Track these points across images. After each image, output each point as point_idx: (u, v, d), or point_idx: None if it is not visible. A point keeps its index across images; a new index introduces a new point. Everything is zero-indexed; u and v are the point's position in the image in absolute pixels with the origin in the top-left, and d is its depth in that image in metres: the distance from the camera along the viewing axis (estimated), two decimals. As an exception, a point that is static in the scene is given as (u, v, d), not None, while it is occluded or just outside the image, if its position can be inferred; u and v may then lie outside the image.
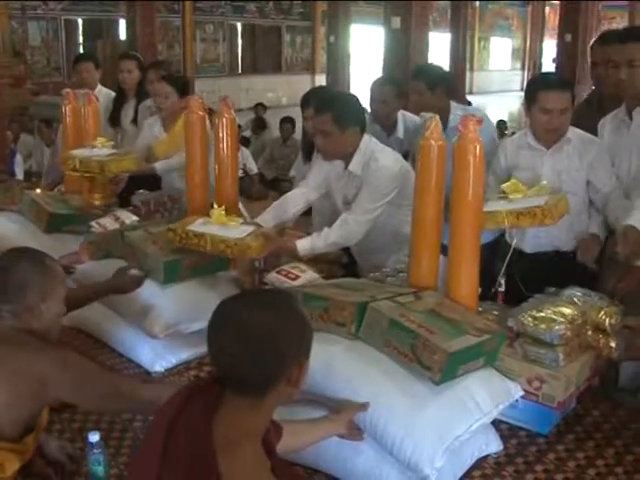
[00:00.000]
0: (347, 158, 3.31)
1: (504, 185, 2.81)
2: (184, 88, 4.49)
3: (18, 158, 7.83)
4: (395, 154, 3.43)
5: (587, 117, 3.56)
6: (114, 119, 5.17)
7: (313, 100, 3.70)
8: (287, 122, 10.24)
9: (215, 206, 3.14)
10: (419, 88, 3.94)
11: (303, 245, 3.21)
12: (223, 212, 3.10)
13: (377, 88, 4.18)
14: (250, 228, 3.05)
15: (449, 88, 3.99)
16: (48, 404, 2.05)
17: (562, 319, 2.39)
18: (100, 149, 3.97)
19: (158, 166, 4.32)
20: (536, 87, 3.15)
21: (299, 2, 22.93)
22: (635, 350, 2.53)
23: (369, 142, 3.31)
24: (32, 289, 2.01)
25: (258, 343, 1.46)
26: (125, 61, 5.22)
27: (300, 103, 4.07)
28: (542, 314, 2.43)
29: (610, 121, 3.34)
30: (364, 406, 2.08)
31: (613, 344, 2.49)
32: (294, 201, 3.49)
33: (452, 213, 2.54)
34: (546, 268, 3.13)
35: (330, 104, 3.26)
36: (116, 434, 2.42)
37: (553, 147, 3.19)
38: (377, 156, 3.26)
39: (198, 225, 3.04)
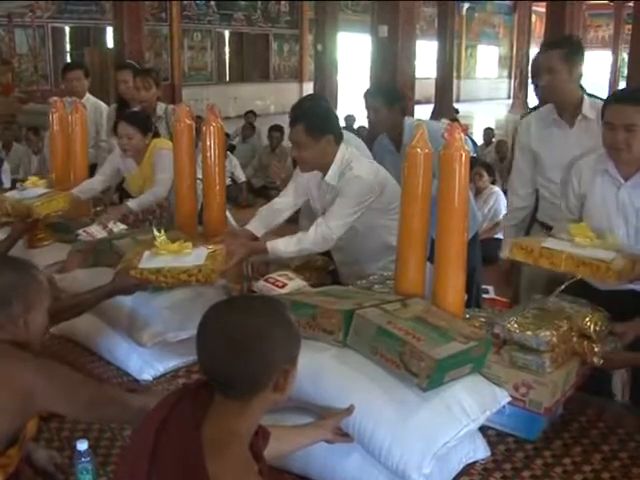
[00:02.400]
0: (324, 168, 3.30)
1: (571, 226, 2.70)
2: (146, 125, 4.24)
3: (6, 166, 7.80)
4: (372, 163, 3.44)
5: None
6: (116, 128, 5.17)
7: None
8: (276, 130, 10.23)
9: (156, 232, 2.90)
10: (376, 105, 4.02)
11: (274, 246, 3.18)
12: (164, 237, 2.87)
13: (369, 97, 4.19)
14: (204, 250, 2.90)
15: (403, 107, 4.09)
16: (35, 415, 2.04)
17: (548, 325, 2.40)
18: (31, 190, 3.82)
19: (132, 205, 4.07)
20: (607, 100, 2.92)
21: (287, 10, 22.97)
22: (608, 362, 2.51)
23: (345, 151, 3.30)
24: (17, 300, 1.97)
25: (245, 348, 1.49)
26: (121, 71, 5.27)
27: (290, 113, 4.08)
28: (528, 320, 2.44)
29: (538, 121, 3.44)
30: (349, 411, 2.09)
31: (597, 349, 2.50)
32: (281, 207, 3.50)
33: (438, 220, 2.55)
34: (620, 307, 2.69)
35: (302, 115, 3.27)
36: (105, 442, 2.41)
37: (632, 178, 2.81)
38: (352, 165, 3.25)
39: (149, 260, 2.79)
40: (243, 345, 1.49)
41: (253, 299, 1.68)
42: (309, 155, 3.22)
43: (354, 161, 3.27)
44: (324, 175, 3.33)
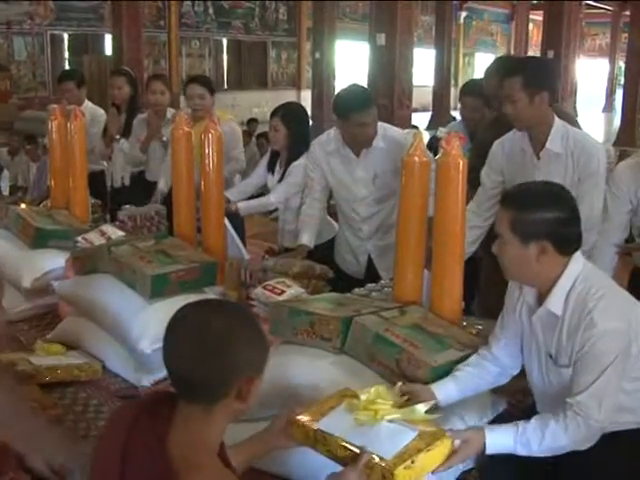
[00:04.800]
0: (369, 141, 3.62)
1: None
2: (213, 86, 4.64)
3: (5, 173, 7.83)
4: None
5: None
6: (106, 133, 5.28)
7: (280, 111, 4.11)
8: (263, 137, 10.20)
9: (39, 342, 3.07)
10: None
11: None
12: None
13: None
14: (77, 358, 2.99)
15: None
16: None
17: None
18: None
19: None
20: None
21: (284, 18, 23.05)
22: None
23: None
24: None
25: (209, 347, 1.47)
26: (115, 77, 5.31)
27: (270, 114, 4.21)
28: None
29: (508, 146, 3.24)
30: (294, 412, 1.98)
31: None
32: (317, 212, 3.83)
33: (435, 228, 2.57)
34: None
35: (371, 96, 3.62)
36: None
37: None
38: (385, 128, 3.66)
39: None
40: (210, 346, 1.47)
41: (225, 302, 1.65)
42: (375, 130, 3.58)
43: (382, 124, 3.66)
44: (359, 150, 3.66)
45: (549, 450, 1.98)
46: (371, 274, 3.74)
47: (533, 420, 1.99)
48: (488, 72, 3.64)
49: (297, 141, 4.08)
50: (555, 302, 2.07)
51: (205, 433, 1.51)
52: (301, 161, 4.01)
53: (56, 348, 3.04)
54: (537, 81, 3.01)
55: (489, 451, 1.97)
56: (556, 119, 3.10)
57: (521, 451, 1.98)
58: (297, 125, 4.11)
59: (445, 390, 2.14)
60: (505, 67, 3.14)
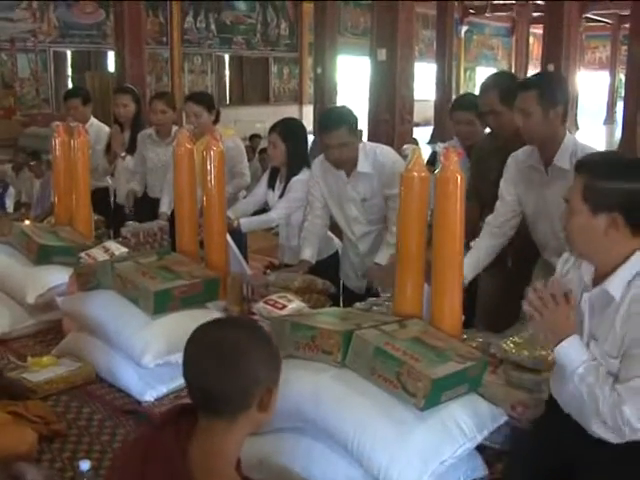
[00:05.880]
0: (353, 163, 3.63)
1: None
2: (211, 104, 4.66)
3: (11, 190, 7.86)
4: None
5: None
6: (109, 149, 5.32)
7: (278, 127, 4.13)
8: (265, 152, 10.25)
9: (29, 359, 3.09)
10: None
11: (384, 258, 3.52)
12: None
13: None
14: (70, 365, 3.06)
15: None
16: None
17: (544, 345, 2.42)
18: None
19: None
20: None
21: (286, 34, 23.16)
22: None
23: (364, 144, 3.68)
24: None
25: (231, 361, 1.52)
26: (120, 95, 5.36)
27: (268, 131, 4.23)
28: (524, 340, 2.47)
29: (520, 160, 3.22)
30: None
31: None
32: (321, 223, 3.85)
33: (434, 243, 2.59)
34: None
35: (342, 118, 3.57)
36: (107, 463, 2.42)
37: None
38: (377, 151, 3.67)
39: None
40: (232, 360, 1.52)
41: (240, 319, 1.72)
42: (350, 153, 3.57)
43: (377, 148, 3.71)
44: (349, 170, 3.66)
45: (590, 399, 1.94)
46: (371, 290, 3.76)
47: (602, 368, 1.95)
48: (485, 87, 3.63)
49: (296, 157, 4.09)
50: (616, 285, 1.98)
51: (226, 445, 1.55)
52: (301, 176, 4.03)
53: (48, 360, 3.08)
54: (553, 95, 3.01)
55: (559, 350, 1.98)
56: (568, 135, 3.10)
57: (577, 374, 1.95)
58: (296, 141, 4.13)
59: None
60: (522, 81, 3.15)
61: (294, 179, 4.04)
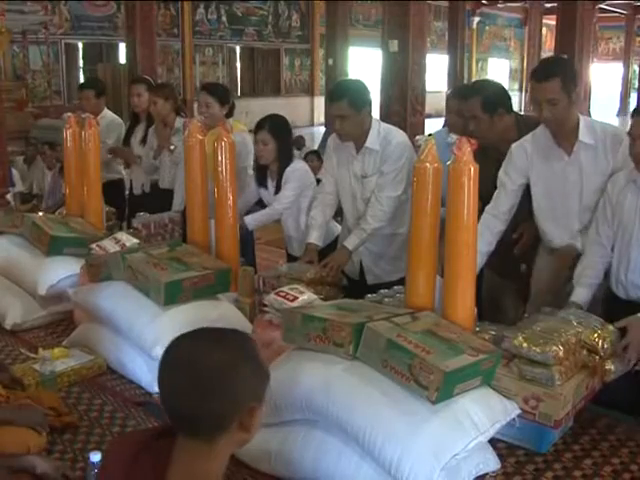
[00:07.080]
0: (362, 137, 3.61)
1: None
2: (225, 97, 4.60)
3: (13, 172, 7.93)
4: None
5: None
6: (126, 141, 5.34)
7: (266, 124, 4.06)
8: None
9: (40, 350, 3.08)
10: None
11: (354, 245, 3.59)
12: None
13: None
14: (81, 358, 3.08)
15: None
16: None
17: (555, 339, 2.41)
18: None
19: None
20: (632, 112, 2.93)
21: (298, 25, 23.10)
22: None
23: (379, 123, 3.68)
24: None
25: (210, 385, 1.40)
26: (135, 85, 5.36)
27: (255, 128, 4.14)
28: (536, 335, 2.45)
29: (531, 148, 3.24)
30: None
31: (611, 367, 2.51)
32: (323, 212, 3.83)
33: (447, 234, 2.57)
34: None
35: (345, 91, 3.56)
36: (117, 455, 2.43)
37: None
38: (389, 132, 3.66)
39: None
40: (208, 382, 1.40)
41: (220, 332, 1.53)
42: (352, 127, 3.56)
43: (390, 129, 3.70)
44: (359, 146, 3.64)
45: None
46: (364, 277, 3.82)
47: None
48: (469, 93, 3.58)
49: (286, 152, 4.11)
50: None
51: (208, 466, 1.45)
52: (294, 165, 4.09)
53: (59, 352, 3.07)
54: (573, 78, 3.10)
55: None
56: (577, 113, 3.16)
57: None
58: (285, 137, 4.12)
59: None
60: (541, 71, 3.14)
61: (288, 170, 4.05)
